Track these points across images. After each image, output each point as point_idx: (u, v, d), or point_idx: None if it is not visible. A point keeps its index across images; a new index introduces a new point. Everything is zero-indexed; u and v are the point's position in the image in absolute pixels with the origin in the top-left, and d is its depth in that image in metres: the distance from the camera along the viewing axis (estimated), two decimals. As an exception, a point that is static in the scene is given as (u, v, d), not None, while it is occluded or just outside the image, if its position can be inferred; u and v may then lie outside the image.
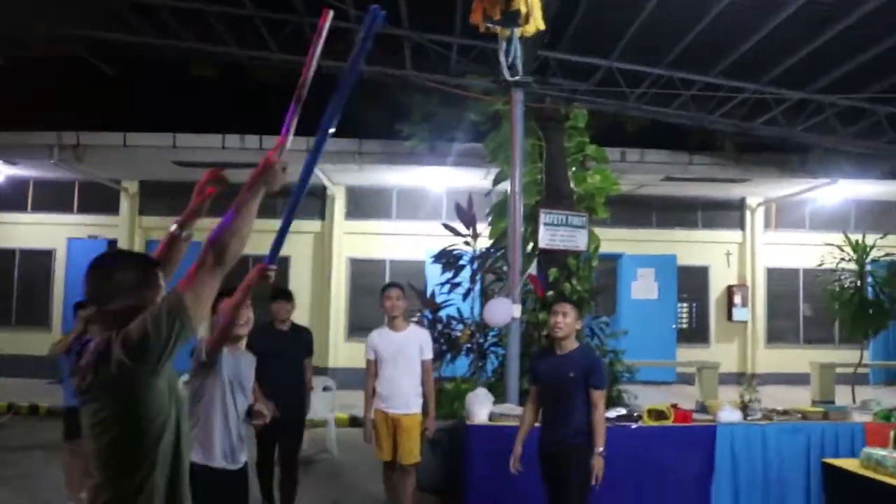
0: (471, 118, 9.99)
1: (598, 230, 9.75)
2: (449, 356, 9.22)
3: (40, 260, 15.37)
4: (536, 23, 4.18)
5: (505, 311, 7.73)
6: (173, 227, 2.92)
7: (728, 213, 15.87)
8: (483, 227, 9.73)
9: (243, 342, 4.49)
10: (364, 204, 15.34)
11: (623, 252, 15.09)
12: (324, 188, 14.62)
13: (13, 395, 12.06)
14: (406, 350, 6.33)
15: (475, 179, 12.67)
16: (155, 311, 2.34)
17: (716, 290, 15.79)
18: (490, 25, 4.10)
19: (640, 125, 11.24)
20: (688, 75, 8.73)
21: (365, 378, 6.49)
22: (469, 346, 9.29)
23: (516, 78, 7.39)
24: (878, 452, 5.20)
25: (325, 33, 2.74)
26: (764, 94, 8.95)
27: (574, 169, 9.50)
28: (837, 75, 8.71)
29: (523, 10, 3.89)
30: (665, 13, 7.42)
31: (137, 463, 2.43)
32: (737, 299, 15.47)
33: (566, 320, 5.16)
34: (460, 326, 9.27)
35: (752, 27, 7.63)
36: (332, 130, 2.83)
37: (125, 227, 15.01)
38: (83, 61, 9.74)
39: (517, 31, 4.30)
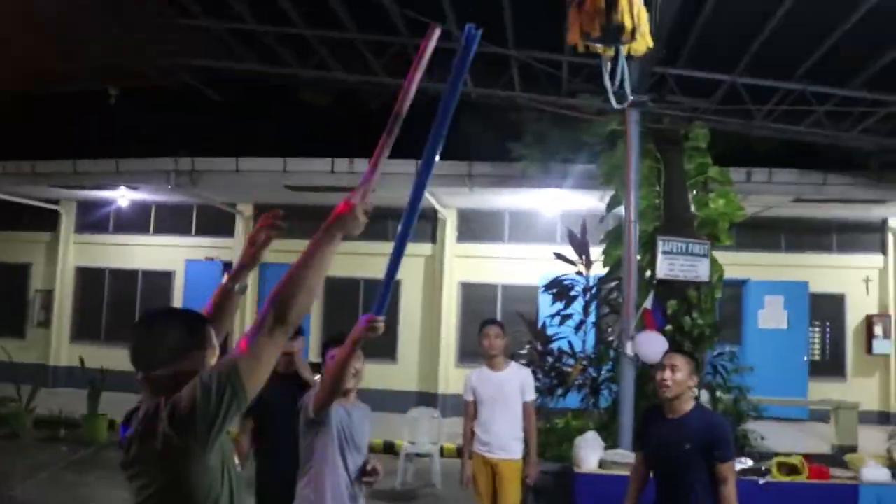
0: (584, 139, 9.51)
1: (721, 254, 9.07)
2: (559, 391, 8.80)
3: (160, 281, 15.81)
4: (645, 39, 3.60)
5: (659, 346, 7.15)
6: (224, 279, 2.71)
7: (867, 236, 14.61)
8: (597, 253, 9.27)
9: (353, 394, 4.27)
10: (476, 227, 15.04)
11: (749, 278, 14.18)
12: (435, 211, 14.40)
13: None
14: (506, 391, 5.93)
15: (591, 201, 12.15)
16: (205, 378, 2.09)
17: (853, 319, 14.54)
18: (591, 44, 3.56)
19: (768, 145, 10.43)
20: (823, 89, 7.95)
21: (463, 419, 6.20)
22: (580, 380, 8.84)
23: (630, 98, 6.90)
24: None
25: (427, 55, 2.40)
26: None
27: (695, 192, 8.89)
28: None
29: (628, 24, 3.35)
30: (796, 22, 6.74)
31: None
32: (877, 330, 14.19)
33: (676, 376, 4.20)
34: (572, 360, 8.83)
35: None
36: (436, 160, 2.49)
37: (240, 250, 15.18)
38: (194, 89, 9.89)
39: (623, 50, 3.73)
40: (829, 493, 5.97)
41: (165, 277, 15.76)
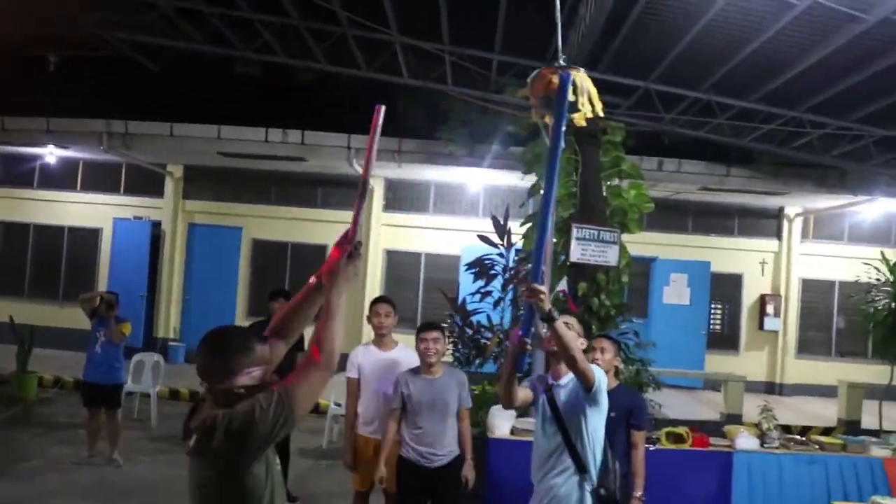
0: (509, 128, 10.11)
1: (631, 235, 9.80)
2: (477, 361, 9.46)
3: (87, 238, 15.86)
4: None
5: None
6: (313, 280, 2.85)
7: (765, 222, 15.81)
8: (517, 227, 9.85)
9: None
10: (402, 197, 15.55)
11: (657, 256, 15.13)
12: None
13: (58, 369, 12.53)
14: (393, 369, 5.63)
15: (512, 179, 12.80)
16: (264, 404, 2.42)
17: (748, 298, 15.76)
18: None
19: (678, 139, 11.26)
20: (725, 99, 8.77)
21: (346, 398, 5.89)
22: (497, 351, 9.51)
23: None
24: (889, 501, 5.29)
25: (379, 130, 2.83)
26: (802, 121, 8.95)
27: (609, 183, 9.59)
28: (878, 107, 8.68)
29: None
30: (706, 41, 7.48)
31: None
32: (769, 308, 15.43)
33: (605, 357, 4.98)
34: (489, 334, 9.48)
35: (794, 58, 7.65)
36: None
37: (169, 210, 15.40)
38: (132, 58, 10.06)
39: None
40: (708, 459, 6.81)
41: (92, 235, 15.81)
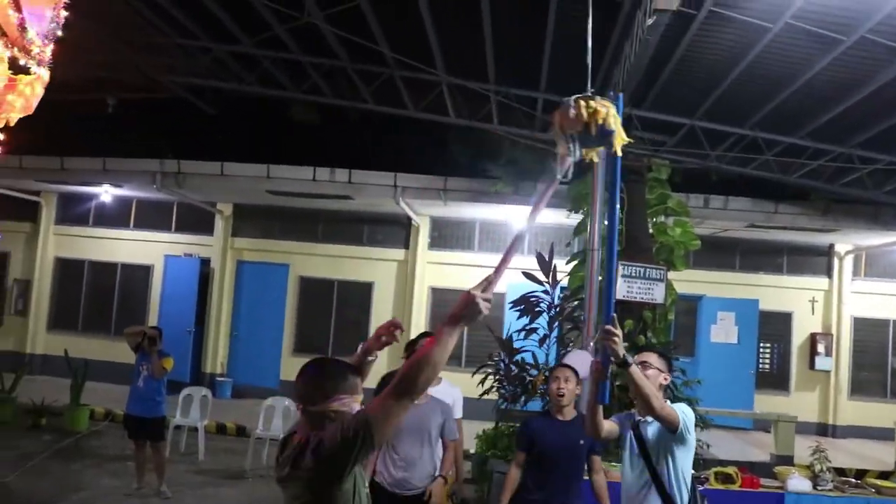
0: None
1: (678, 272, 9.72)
2: (523, 399, 9.44)
3: (139, 274, 16.22)
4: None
5: (587, 362, 7.75)
6: (359, 351, 3.22)
7: (815, 259, 15.55)
8: (562, 265, 9.86)
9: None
10: (447, 235, 15.64)
11: (704, 294, 14.94)
12: (408, 218, 14.99)
13: (110, 402, 12.75)
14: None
15: (558, 217, 12.81)
16: (346, 427, 2.61)
17: (798, 337, 15.44)
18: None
19: (724, 175, 11.20)
20: (772, 136, 8.75)
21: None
22: (542, 389, 9.47)
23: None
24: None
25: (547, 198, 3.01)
26: (851, 157, 8.88)
27: (655, 220, 9.58)
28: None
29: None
30: (752, 78, 7.49)
31: None
32: (820, 348, 15.11)
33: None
34: (535, 371, 9.46)
35: (842, 94, 7.62)
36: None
37: (218, 247, 15.69)
38: (186, 99, 10.38)
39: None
40: (759, 501, 6.70)
41: (144, 271, 16.16)
